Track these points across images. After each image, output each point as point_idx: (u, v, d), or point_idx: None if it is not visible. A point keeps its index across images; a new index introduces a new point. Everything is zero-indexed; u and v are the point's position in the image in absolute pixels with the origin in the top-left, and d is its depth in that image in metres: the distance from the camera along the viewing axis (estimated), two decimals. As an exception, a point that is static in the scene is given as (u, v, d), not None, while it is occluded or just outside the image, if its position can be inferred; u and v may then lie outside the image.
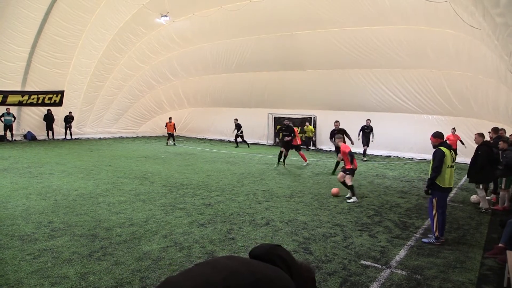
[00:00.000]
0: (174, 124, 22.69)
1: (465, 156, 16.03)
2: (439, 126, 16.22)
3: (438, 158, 6.04)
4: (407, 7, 15.68)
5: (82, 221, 6.54)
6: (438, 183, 6.07)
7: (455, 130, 15.45)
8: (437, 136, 6.39)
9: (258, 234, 6.17)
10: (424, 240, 6.18)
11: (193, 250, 5.33)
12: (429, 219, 6.55)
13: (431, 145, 6.47)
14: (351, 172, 9.24)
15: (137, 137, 26.45)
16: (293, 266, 1.63)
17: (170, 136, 22.26)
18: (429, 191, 6.22)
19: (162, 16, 20.96)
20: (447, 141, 13.32)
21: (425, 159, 17.18)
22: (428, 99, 18.17)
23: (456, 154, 14.41)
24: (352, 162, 9.22)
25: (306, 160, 15.18)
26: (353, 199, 8.99)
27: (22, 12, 17.71)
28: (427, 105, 18.39)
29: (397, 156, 18.98)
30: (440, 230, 6.06)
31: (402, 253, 5.61)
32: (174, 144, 22.04)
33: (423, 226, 7.03)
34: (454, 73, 16.74)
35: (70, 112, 22.56)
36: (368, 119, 17.67)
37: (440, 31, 15.64)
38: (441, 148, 6.13)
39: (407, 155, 18.85)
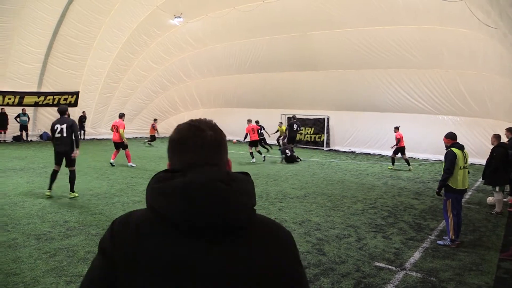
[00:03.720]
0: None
1: (480, 157, 15.80)
2: (455, 127, 16.03)
3: (449, 159, 5.97)
4: (421, 7, 15.53)
5: (97, 221, 6.61)
6: (450, 184, 6.00)
7: (398, 128, 15.02)
8: (449, 137, 6.30)
9: (271, 235, 6.15)
10: (439, 242, 6.09)
11: (206, 250, 5.34)
12: (444, 221, 6.47)
13: (444, 146, 6.40)
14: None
15: (150, 138, 26.59)
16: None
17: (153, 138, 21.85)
18: (440, 193, 6.16)
19: (175, 17, 21.10)
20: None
21: (440, 160, 16.95)
22: (443, 99, 17.95)
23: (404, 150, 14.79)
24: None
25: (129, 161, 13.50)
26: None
27: (38, 14, 18.01)
28: (442, 106, 18.16)
29: (411, 157, 18.75)
30: (455, 232, 5.97)
31: (417, 255, 5.54)
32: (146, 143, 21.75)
33: (438, 228, 6.94)
34: (469, 73, 16.50)
35: (83, 112, 22.84)
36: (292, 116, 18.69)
37: (455, 30, 15.45)
38: (453, 149, 6.05)
39: (421, 156, 18.64)
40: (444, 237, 6.22)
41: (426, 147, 18.49)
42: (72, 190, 8.31)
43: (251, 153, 15.87)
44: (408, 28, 16.79)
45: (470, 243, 6.17)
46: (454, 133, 6.37)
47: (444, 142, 6.36)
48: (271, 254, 1.06)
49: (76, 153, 8.22)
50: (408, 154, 18.86)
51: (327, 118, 21.92)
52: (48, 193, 8.13)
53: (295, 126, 17.37)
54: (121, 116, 13.65)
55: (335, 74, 20.74)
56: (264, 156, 15.98)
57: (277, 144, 22.23)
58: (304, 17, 18.85)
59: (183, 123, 1.23)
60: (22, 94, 19.84)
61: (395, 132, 14.94)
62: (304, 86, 22.16)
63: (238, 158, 16.67)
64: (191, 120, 1.23)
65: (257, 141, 16.09)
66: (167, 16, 21.30)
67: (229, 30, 22.02)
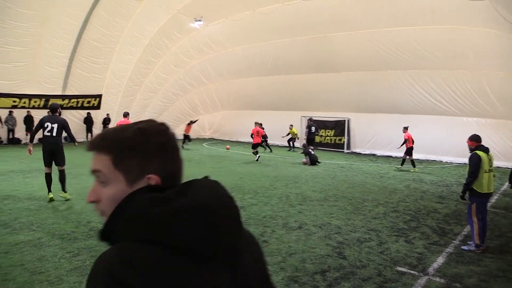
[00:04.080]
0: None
1: (507, 160, 15.39)
2: (479, 129, 15.64)
3: (474, 162, 5.83)
4: (444, 7, 15.25)
5: (119, 222, 6.70)
6: (475, 188, 5.85)
7: (407, 128, 15.20)
8: (474, 139, 6.14)
9: (291, 238, 6.13)
10: (464, 247, 5.95)
11: (226, 252, 5.35)
12: (468, 225, 6.32)
13: (468, 149, 6.24)
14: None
15: (171, 140, 26.94)
16: None
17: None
18: (465, 197, 6.02)
19: (196, 20, 21.29)
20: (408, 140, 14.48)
21: (464, 163, 16.51)
22: (468, 100, 17.54)
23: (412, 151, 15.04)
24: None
25: None
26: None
27: (63, 19, 18.45)
28: (466, 107, 17.74)
29: (434, 160, 18.42)
30: (480, 237, 5.82)
31: (440, 260, 5.42)
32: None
33: (463, 233, 6.77)
34: (495, 74, 16.10)
35: (107, 114, 23.31)
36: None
37: (480, 30, 15.12)
38: (477, 152, 5.91)
39: (445, 159, 18.27)
40: (468, 242, 6.07)
41: (449, 149, 18.09)
42: (63, 190, 8.19)
43: (255, 152, 16.74)
44: (430, 28, 16.49)
45: (496, 249, 6.00)
46: (478, 135, 6.20)
47: (468, 145, 6.20)
48: (257, 258, 1.06)
49: (76, 144, 8.73)
50: (430, 156, 18.66)
51: (348, 120, 21.72)
52: (50, 196, 7.96)
53: (313, 128, 18.15)
54: (126, 115, 13.34)
55: (355, 76, 20.54)
56: (259, 157, 16.63)
57: (288, 145, 22.62)
58: (323, 18, 18.74)
59: (146, 121, 1.04)
60: (48, 97, 20.33)
61: (403, 132, 15.10)
62: (325, 88, 22.02)
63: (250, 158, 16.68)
64: (150, 120, 1.05)
65: (259, 144, 17.29)
66: (188, 20, 21.51)
67: (249, 33, 22.09)
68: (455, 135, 17.26)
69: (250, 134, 19.37)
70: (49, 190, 8.04)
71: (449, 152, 18.16)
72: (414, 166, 14.80)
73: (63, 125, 7.93)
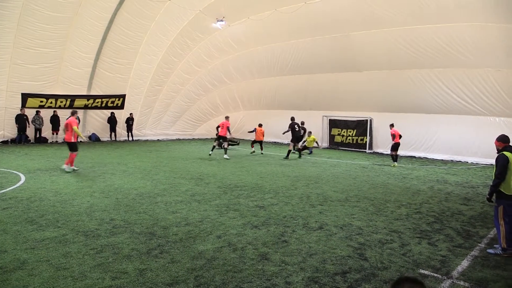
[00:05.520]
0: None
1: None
2: (507, 129, 15.21)
3: (501, 163, 5.67)
4: (471, 3, 14.87)
5: (141, 220, 6.81)
6: (503, 190, 5.69)
7: (393, 125, 16.08)
8: (501, 140, 5.97)
9: (312, 238, 6.10)
10: (490, 250, 5.79)
11: (246, 252, 5.37)
12: (495, 228, 6.14)
13: (496, 150, 6.07)
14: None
15: (193, 139, 27.19)
16: None
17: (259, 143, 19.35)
18: (491, 199, 5.86)
19: (218, 20, 21.45)
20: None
21: (491, 164, 16.16)
22: (495, 100, 17.08)
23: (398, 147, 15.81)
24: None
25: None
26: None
27: (89, 21, 18.90)
28: (493, 107, 17.28)
29: (460, 161, 18.01)
30: (507, 240, 5.65)
31: (465, 263, 5.29)
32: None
33: (489, 236, 6.59)
34: (524, 72, 15.63)
35: (131, 114, 23.69)
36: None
37: (508, 27, 14.69)
38: (505, 153, 5.74)
39: (471, 159, 17.84)
40: (495, 245, 5.91)
41: (475, 150, 17.67)
42: None
43: (225, 149, 17.15)
44: (457, 26, 16.15)
45: (524, 253, 5.82)
46: (506, 136, 6.03)
47: (496, 145, 6.04)
48: None
49: None
50: (455, 157, 18.26)
51: (370, 120, 21.46)
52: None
53: (296, 127, 18.14)
54: (73, 113, 12.57)
55: (379, 75, 20.28)
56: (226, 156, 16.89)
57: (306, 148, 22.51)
58: (346, 17, 18.60)
59: None
60: (73, 97, 20.81)
61: (390, 128, 15.89)
62: (347, 88, 21.83)
63: (278, 160, 16.65)
64: None
65: (224, 137, 17.14)
66: (210, 20, 21.69)
67: (270, 32, 22.10)
68: (482, 136, 16.88)
69: (251, 130, 19.66)
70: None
71: (476, 153, 17.73)
72: (395, 161, 15.72)
73: None
